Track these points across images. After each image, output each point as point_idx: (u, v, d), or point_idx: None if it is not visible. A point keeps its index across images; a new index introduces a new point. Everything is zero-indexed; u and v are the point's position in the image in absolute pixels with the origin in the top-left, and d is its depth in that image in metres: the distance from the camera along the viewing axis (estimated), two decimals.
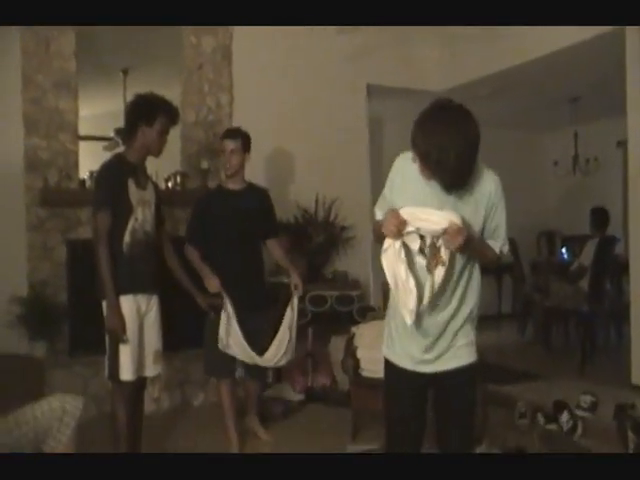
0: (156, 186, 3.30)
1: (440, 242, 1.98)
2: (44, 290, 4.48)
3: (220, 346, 3.49)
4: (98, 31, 4.28)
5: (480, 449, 3.31)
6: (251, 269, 3.73)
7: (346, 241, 5.52)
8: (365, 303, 5.20)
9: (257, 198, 3.78)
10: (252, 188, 3.79)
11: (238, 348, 3.54)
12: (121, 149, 3.42)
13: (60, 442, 2.27)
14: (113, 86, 4.96)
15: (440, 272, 2.01)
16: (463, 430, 2.27)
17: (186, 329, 3.95)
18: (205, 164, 4.98)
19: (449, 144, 1.91)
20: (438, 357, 2.19)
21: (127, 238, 3.00)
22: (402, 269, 2.02)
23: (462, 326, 2.18)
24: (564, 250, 7.60)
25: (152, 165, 3.29)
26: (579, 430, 3.64)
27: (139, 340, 3.04)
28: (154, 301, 3.16)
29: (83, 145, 4.79)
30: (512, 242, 5.86)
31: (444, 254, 2.00)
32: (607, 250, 5.64)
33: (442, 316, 2.15)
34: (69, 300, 4.57)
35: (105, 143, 4.85)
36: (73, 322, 4.52)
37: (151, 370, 3.16)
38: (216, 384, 3.77)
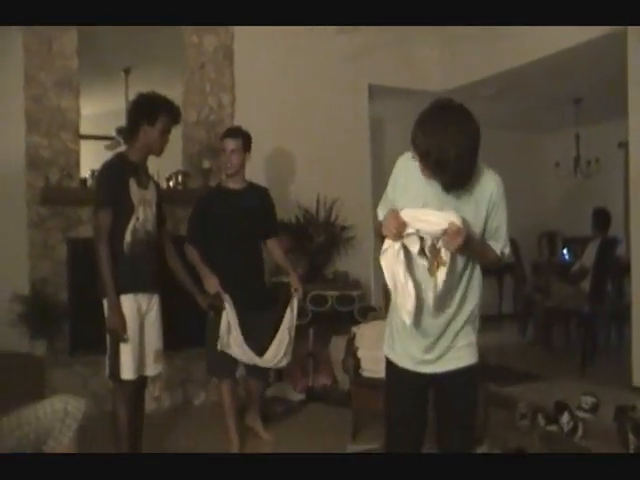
0: (157, 185, 3.30)
1: (440, 243, 1.98)
2: (45, 289, 4.49)
3: (220, 346, 3.49)
4: (100, 30, 4.28)
5: (481, 450, 3.31)
6: (252, 269, 3.73)
7: (347, 241, 5.53)
8: (366, 303, 5.20)
9: (257, 197, 3.78)
10: (252, 187, 3.79)
11: (238, 349, 3.54)
12: (123, 148, 3.42)
13: (61, 443, 2.26)
14: (115, 85, 4.96)
15: (442, 273, 2.01)
16: (464, 431, 2.27)
17: (187, 328, 3.95)
18: (207, 164, 4.98)
19: (449, 144, 1.91)
20: (439, 358, 2.18)
21: (128, 237, 3.00)
22: (401, 271, 2.02)
23: (463, 327, 2.18)
24: (565, 251, 7.61)
25: (154, 164, 3.29)
26: (580, 431, 3.63)
27: (140, 339, 3.04)
28: (155, 300, 3.16)
29: (84, 144, 4.79)
30: (513, 243, 5.85)
31: (444, 255, 2.00)
32: (609, 251, 5.64)
33: (443, 317, 2.14)
34: (70, 299, 4.57)
35: (107, 142, 4.86)
36: (74, 321, 4.52)
37: (152, 369, 3.16)
38: (217, 384, 3.77)
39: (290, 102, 5.38)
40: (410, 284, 2.02)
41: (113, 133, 4.84)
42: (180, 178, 4.91)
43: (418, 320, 2.12)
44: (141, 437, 3.19)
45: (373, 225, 2.27)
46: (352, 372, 3.85)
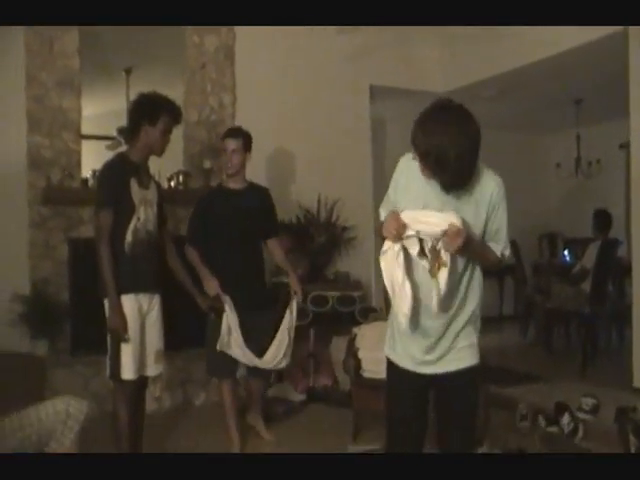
0: (158, 185, 3.30)
1: (440, 245, 1.98)
2: (46, 288, 4.49)
3: (220, 346, 3.49)
4: (101, 30, 4.29)
5: (481, 451, 3.30)
6: (252, 269, 3.73)
7: (348, 242, 5.53)
8: (367, 304, 5.20)
9: (258, 197, 3.78)
10: (253, 187, 3.79)
11: (238, 350, 3.54)
12: (124, 148, 3.42)
13: (63, 445, 2.25)
14: (116, 85, 4.97)
15: (444, 274, 2.00)
16: (464, 432, 2.27)
17: (188, 328, 3.95)
18: (208, 164, 4.98)
19: (449, 144, 1.91)
20: (439, 358, 2.18)
21: (129, 237, 3.00)
22: (399, 272, 2.02)
23: (463, 328, 2.18)
24: (566, 252, 7.60)
25: (155, 164, 3.29)
26: (580, 433, 3.63)
27: (141, 339, 3.04)
28: (156, 300, 3.16)
29: (86, 144, 4.79)
30: (514, 244, 5.86)
31: (444, 256, 1.99)
32: (609, 252, 5.63)
33: (443, 317, 2.14)
34: (71, 299, 4.57)
35: (108, 142, 4.86)
36: (75, 321, 4.52)
37: (153, 369, 3.16)
38: (218, 384, 3.77)
39: (291, 102, 5.38)
40: (407, 286, 2.02)
41: (114, 133, 4.85)
42: (181, 178, 4.91)
43: (416, 321, 2.12)
44: (142, 437, 3.19)
45: (374, 226, 2.27)
46: (353, 373, 3.85)
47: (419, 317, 2.13)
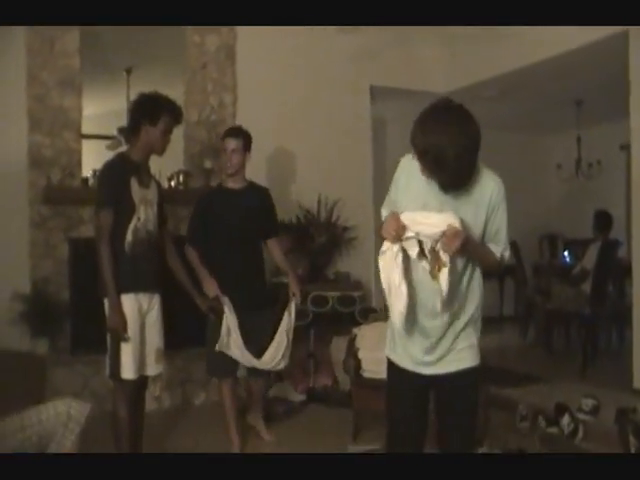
0: (159, 185, 3.30)
1: (439, 246, 1.97)
2: (46, 288, 4.49)
3: (219, 346, 3.49)
4: (102, 30, 4.29)
5: (481, 451, 3.30)
6: (252, 268, 3.73)
7: (348, 242, 5.52)
8: (367, 304, 5.20)
9: (258, 197, 3.78)
10: (253, 187, 3.79)
11: (237, 351, 3.54)
12: (124, 148, 3.42)
13: (64, 447, 2.24)
14: (116, 85, 4.96)
15: (445, 275, 2.00)
16: (464, 432, 2.26)
17: (188, 328, 3.95)
18: (208, 163, 4.98)
19: (448, 144, 1.90)
20: (440, 359, 2.18)
21: (129, 237, 3.00)
22: (397, 273, 2.01)
23: (464, 328, 2.18)
24: (566, 253, 7.60)
25: (155, 164, 3.29)
26: (580, 433, 3.62)
27: (140, 339, 3.04)
28: (156, 300, 3.16)
29: (86, 143, 4.80)
30: (514, 245, 5.86)
31: (444, 257, 1.99)
32: (610, 253, 5.63)
33: (443, 318, 2.13)
34: (71, 298, 4.57)
35: (108, 142, 4.86)
36: (75, 320, 4.52)
37: (152, 369, 3.16)
38: (218, 384, 3.77)
39: (292, 102, 5.38)
40: (404, 286, 2.02)
41: (115, 133, 4.85)
42: (181, 178, 4.92)
43: (412, 322, 2.12)
44: (141, 437, 3.19)
45: (375, 226, 2.27)
46: (353, 373, 3.85)
47: (419, 318, 2.13)
